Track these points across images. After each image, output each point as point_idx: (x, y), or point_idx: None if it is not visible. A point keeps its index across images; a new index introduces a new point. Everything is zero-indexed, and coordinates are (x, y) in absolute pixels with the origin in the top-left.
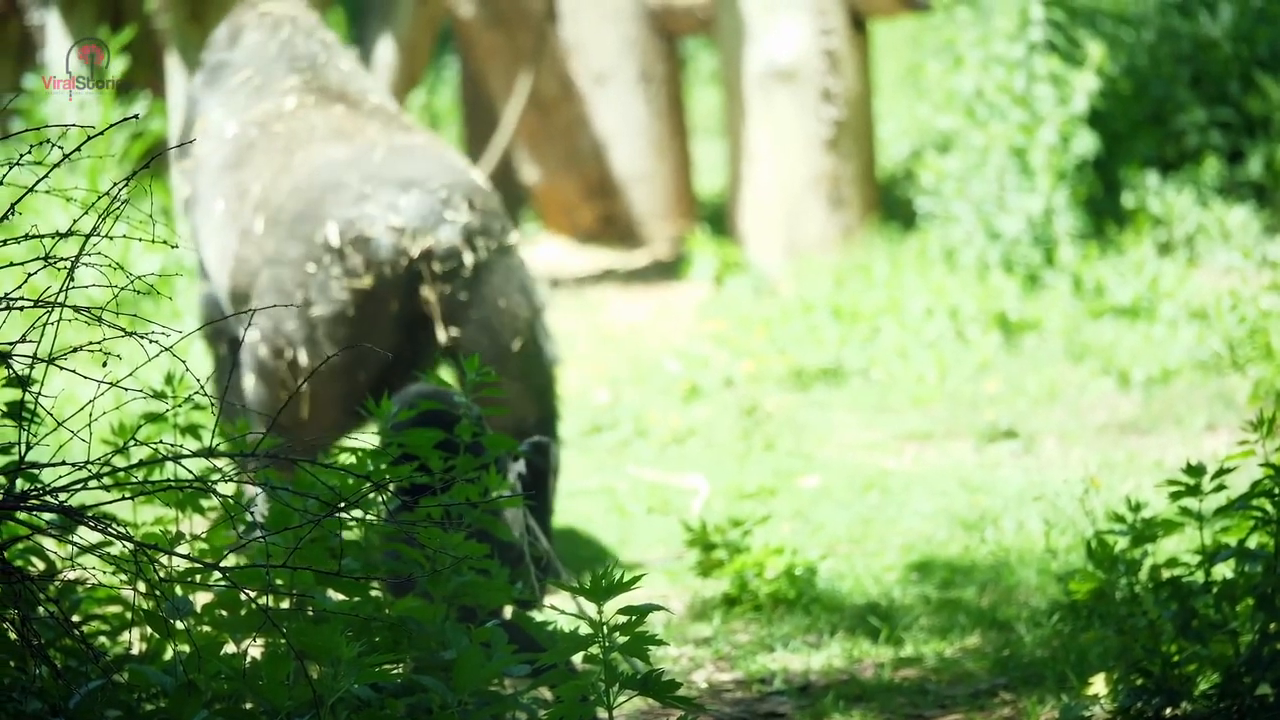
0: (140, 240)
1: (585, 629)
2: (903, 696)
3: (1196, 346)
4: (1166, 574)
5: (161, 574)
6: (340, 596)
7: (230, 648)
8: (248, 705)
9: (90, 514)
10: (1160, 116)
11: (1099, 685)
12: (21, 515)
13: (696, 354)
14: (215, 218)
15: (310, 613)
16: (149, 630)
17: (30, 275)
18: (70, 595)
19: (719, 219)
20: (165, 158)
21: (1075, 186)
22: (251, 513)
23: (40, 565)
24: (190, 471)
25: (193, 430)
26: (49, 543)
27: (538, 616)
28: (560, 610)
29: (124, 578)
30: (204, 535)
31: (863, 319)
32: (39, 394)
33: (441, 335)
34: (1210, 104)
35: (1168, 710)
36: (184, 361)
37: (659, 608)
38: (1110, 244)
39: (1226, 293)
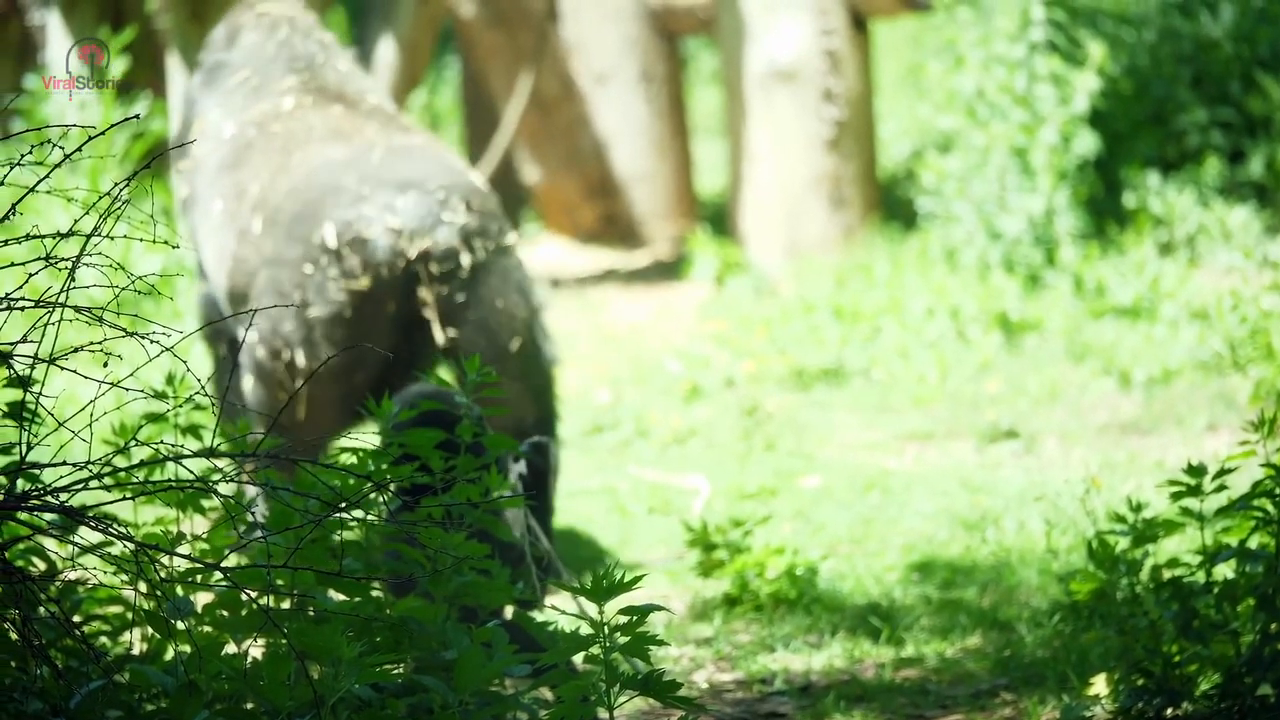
0: (141, 240)
1: (586, 629)
2: (904, 697)
3: (1197, 347)
4: (1168, 574)
5: (162, 574)
6: (341, 597)
7: (231, 648)
8: (249, 705)
9: (91, 514)
10: (1161, 116)
11: (1100, 685)
12: (22, 515)
13: (697, 354)
14: (213, 218)
15: (311, 613)
16: (150, 630)
17: (31, 275)
18: (71, 595)
19: (720, 219)
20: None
21: (1076, 186)
22: (252, 513)
23: (41, 565)
24: (191, 472)
25: (194, 430)
26: (50, 543)
27: (539, 617)
28: (561, 610)
29: (125, 578)
30: (205, 535)
31: (864, 319)
32: (40, 394)
33: (439, 336)
34: (1211, 104)
35: (1169, 710)
36: (185, 362)
37: (660, 608)
38: (1111, 244)
39: (1228, 293)
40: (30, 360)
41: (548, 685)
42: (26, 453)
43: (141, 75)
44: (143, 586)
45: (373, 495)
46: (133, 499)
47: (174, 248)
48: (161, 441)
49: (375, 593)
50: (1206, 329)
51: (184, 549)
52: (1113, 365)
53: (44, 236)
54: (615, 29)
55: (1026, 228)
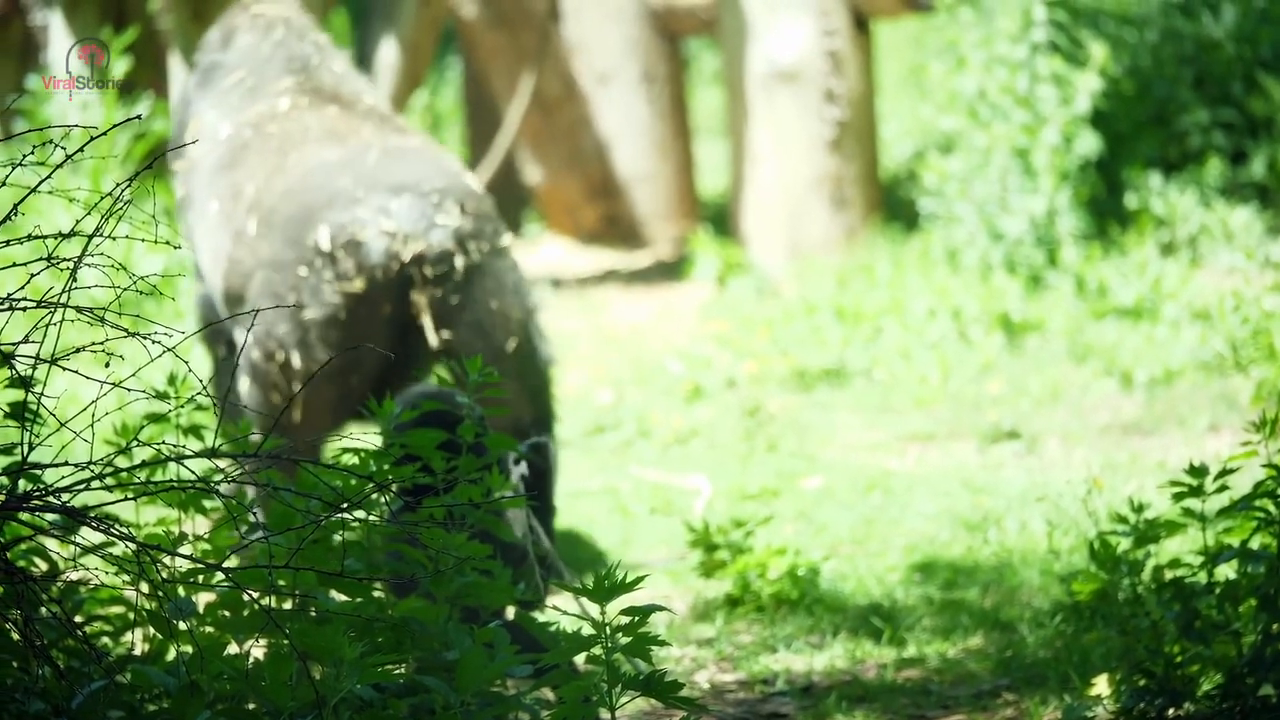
0: (143, 241)
1: (588, 629)
2: (905, 697)
3: (1199, 347)
4: (1169, 575)
5: (164, 574)
6: (343, 597)
7: (233, 648)
8: (250, 706)
9: (93, 514)
10: (1163, 117)
11: (1102, 686)
12: (24, 516)
13: (699, 355)
14: (209, 219)
15: (313, 613)
16: (152, 631)
17: (33, 276)
18: (73, 596)
19: (721, 220)
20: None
21: (1078, 187)
22: (254, 513)
23: (43, 566)
24: (193, 472)
25: (195, 431)
26: (52, 543)
27: (540, 617)
28: (563, 611)
29: (127, 578)
30: (206, 536)
31: (865, 320)
32: (42, 394)
33: (433, 338)
34: (1213, 105)
35: (1170, 711)
36: (186, 362)
37: (661, 608)
38: (1113, 245)
39: (1229, 293)
40: (32, 360)
41: (549, 686)
42: (28, 453)
43: (144, 75)
44: (144, 587)
45: (374, 496)
46: (134, 499)
47: (175, 248)
48: (163, 442)
49: (377, 593)
50: (1208, 330)
51: (186, 549)
52: (1114, 366)
53: (46, 237)
54: (617, 29)
55: (1028, 228)
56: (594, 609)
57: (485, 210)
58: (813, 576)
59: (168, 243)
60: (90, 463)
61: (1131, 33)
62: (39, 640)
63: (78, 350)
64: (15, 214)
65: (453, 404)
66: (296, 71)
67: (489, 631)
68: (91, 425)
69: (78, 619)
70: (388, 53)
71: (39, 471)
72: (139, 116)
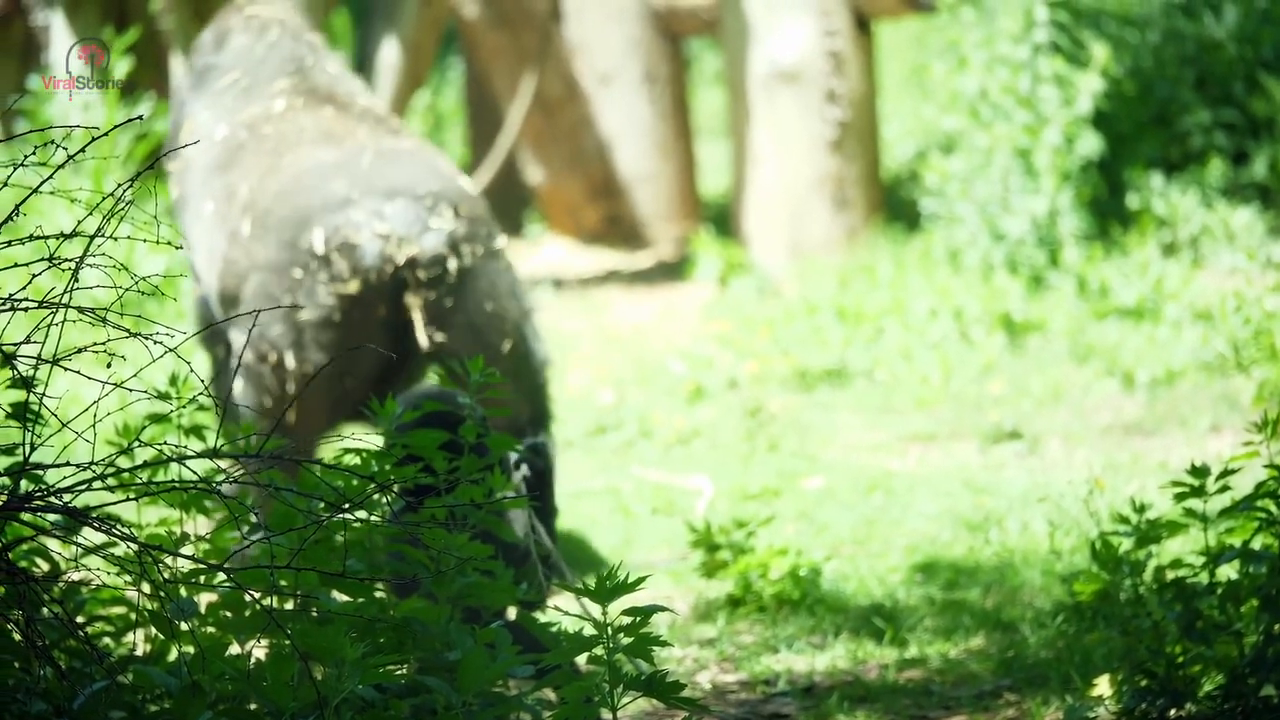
0: (145, 241)
1: (589, 630)
2: (907, 698)
3: (1201, 348)
4: (1171, 575)
5: (166, 575)
6: (345, 597)
7: (235, 649)
8: (252, 706)
9: (94, 515)
10: (1165, 118)
11: (1103, 686)
12: (26, 516)
13: (701, 355)
14: (205, 220)
15: (315, 614)
16: (153, 631)
17: (35, 276)
18: (74, 596)
19: (723, 220)
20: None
21: (1080, 188)
22: (255, 514)
23: (45, 566)
24: (194, 472)
25: (197, 431)
26: (53, 544)
27: (542, 617)
28: (564, 611)
29: (128, 579)
30: (208, 536)
31: (867, 320)
32: (43, 395)
33: (423, 340)
34: (1215, 105)
35: (1172, 711)
36: (188, 362)
37: (663, 609)
38: (1115, 245)
39: (1231, 294)
40: (34, 361)
41: (551, 686)
42: (30, 454)
43: (145, 76)
44: (146, 587)
45: (376, 496)
46: (136, 500)
47: (177, 248)
48: (165, 442)
49: (379, 594)
50: (1210, 330)
51: (187, 550)
52: (1116, 366)
53: (47, 237)
54: (619, 30)
55: (1030, 229)
56: (596, 609)
57: (479, 213)
58: (814, 577)
59: (169, 243)
60: (92, 463)
61: (1133, 33)
62: (40, 641)
63: (79, 351)
64: (17, 214)
65: (454, 405)
66: (291, 73)
67: (491, 632)
68: (93, 426)
69: (79, 619)
70: (389, 53)
71: (41, 472)
72: (140, 117)
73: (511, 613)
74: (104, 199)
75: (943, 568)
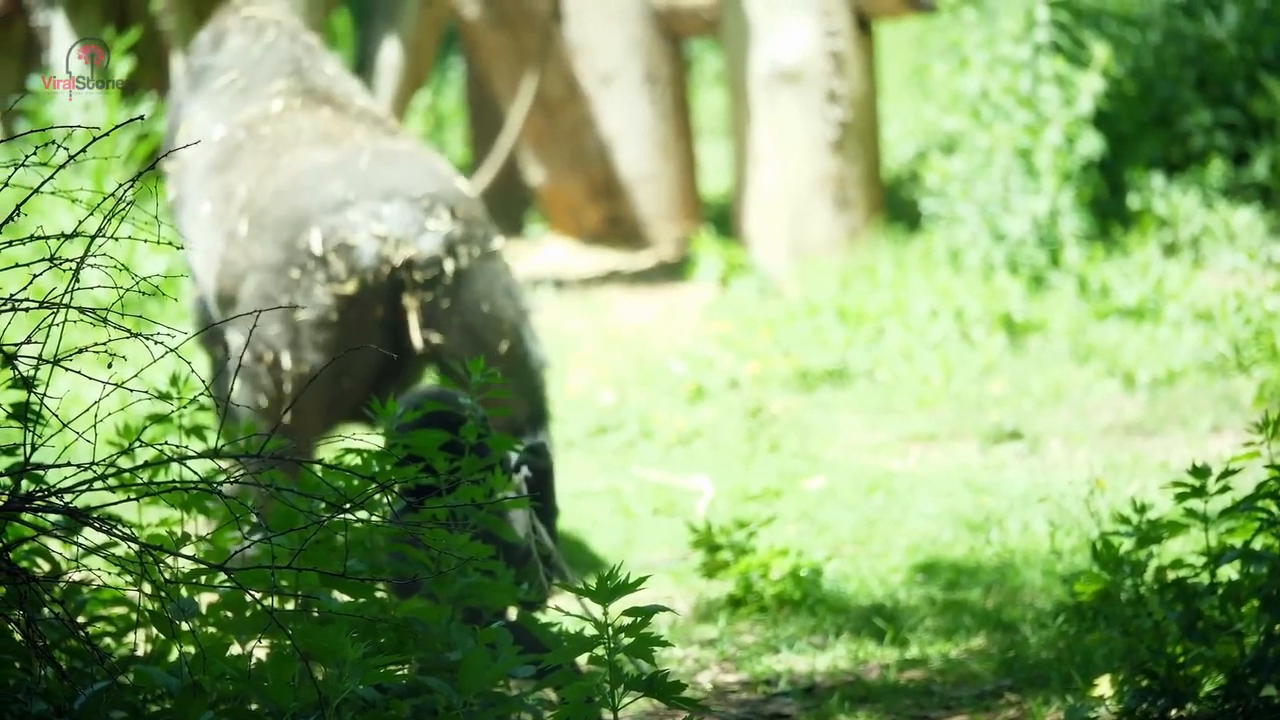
0: (145, 241)
1: (590, 630)
2: (908, 698)
3: (1201, 348)
4: (1172, 575)
5: (167, 575)
6: (345, 598)
7: (235, 649)
8: (253, 706)
9: (95, 515)
10: (1165, 118)
11: (1104, 686)
12: (27, 516)
13: (702, 355)
14: (202, 220)
15: (316, 614)
16: (154, 631)
17: (36, 276)
18: (75, 596)
19: (724, 220)
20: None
21: (1080, 188)
22: (256, 514)
23: (45, 566)
24: (195, 473)
25: (197, 431)
26: (54, 544)
27: (543, 618)
28: (565, 611)
29: (129, 579)
30: (209, 536)
31: (868, 320)
32: (44, 395)
33: (417, 341)
34: (1215, 105)
35: (1173, 712)
36: (189, 363)
37: (664, 609)
38: (1115, 245)
39: (1231, 294)
40: (35, 361)
41: (552, 686)
42: (31, 454)
43: (146, 76)
44: (147, 587)
45: (377, 496)
46: (137, 500)
47: (178, 249)
48: (165, 442)
49: (380, 594)
50: (1211, 330)
51: (188, 550)
52: (1117, 366)
53: (48, 237)
54: (620, 30)
55: (1031, 229)
56: (596, 609)
57: (476, 215)
58: (815, 577)
59: (170, 243)
60: (93, 463)
61: (1134, 33)
62: (41, 641)
63: (80, 351)
64: (18, 214)
65: (455, 405)
66: (288, 73)
67: (492, 632)
68: (94, 426)
69: (80, 619)
70: (390, 53)
71: (41, 472)
72: (141, 117)
73: (512, 613)
74: (105, 199)
75: (944, 568)
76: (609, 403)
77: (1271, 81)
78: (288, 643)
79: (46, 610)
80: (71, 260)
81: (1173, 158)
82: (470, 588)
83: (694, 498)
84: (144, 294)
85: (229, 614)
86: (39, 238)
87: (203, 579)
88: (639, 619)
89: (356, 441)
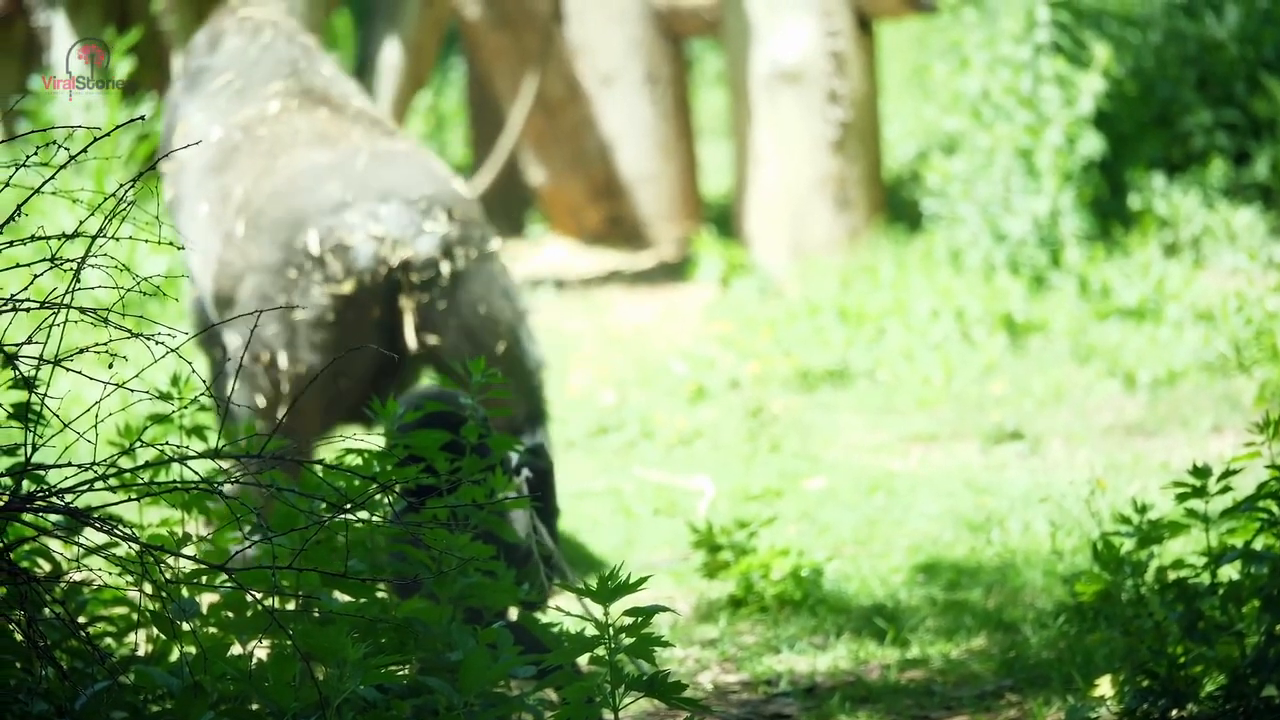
0: (146, 241)
1: (591, 630)
2: (909, 698)
3: (1202, 348)
4: (1172, 575)
5: (168, 575)
6: (346, 598)
7: (236, 649)
8: (254, 706)
9: (96, 515)
10: (1166, 118)
11: (1105, 687)
12: (27, 517)
13: (702, 355)
14: (199, 221)
15: (316, 614)
16: (155, 631)
17: (36, 277)
18: (76, 596)
19: (725, 220)
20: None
21: (1081, 188)
22: (257, 514)
23: (46, 566)
24: (196, 473)
25: (198, 431)
26: (55, 544)
27: (543, 618)
28: (566, 612)
29: (130, 579)
30: (210, 536)
31: (868, 320)
32: (45, 395)
33: (412, 342)
34: (1216, 106)
35: (1174, 712)
36: (190, 363)
37: (665, 609)
38: (1116, 245)
39: (1232, 294)
40: (35, 361)
41: (553, 687)
42: (32, 454)
43: (147, 76)
44: (148, 587)
45: (378, 496)
46: (138, 500)
47: (179, 249)
48: (166, 442)
49: (380, 594)
50: (1211, 330)
51: (189, 550)
52: (1118, 367)
53: (49, 238)
54: (620, 31)
55: (1031, 229)
56: (597, 610)
57: (473, 216)
58: (816, 577)
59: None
60: (93, 463)
61: (1135, 33)
62: (42, 641)
63: (81, 351)
64: (19, 215)
65: (456, 405)
66: (285, 75)
67: (492, 632)
68: (95, 426)
69: (81, 620)
70: (391, 54)
71: (42, 472)
72: (142, 117)
73: (513, 613)
74: (105, 199)
75: (944, 568)
76: (610, 403)
77: (1272, 81)
78: (288, 643)
79: (47, 610)
80: (72, 260)
81: (1173, 158)
82: (471, 588)
83: (695, 498)
84: (145, 294)
85: (230, 614)
86: (40, 238)
87: (204, 579)
88: (640, 619)
89: (357, 442)
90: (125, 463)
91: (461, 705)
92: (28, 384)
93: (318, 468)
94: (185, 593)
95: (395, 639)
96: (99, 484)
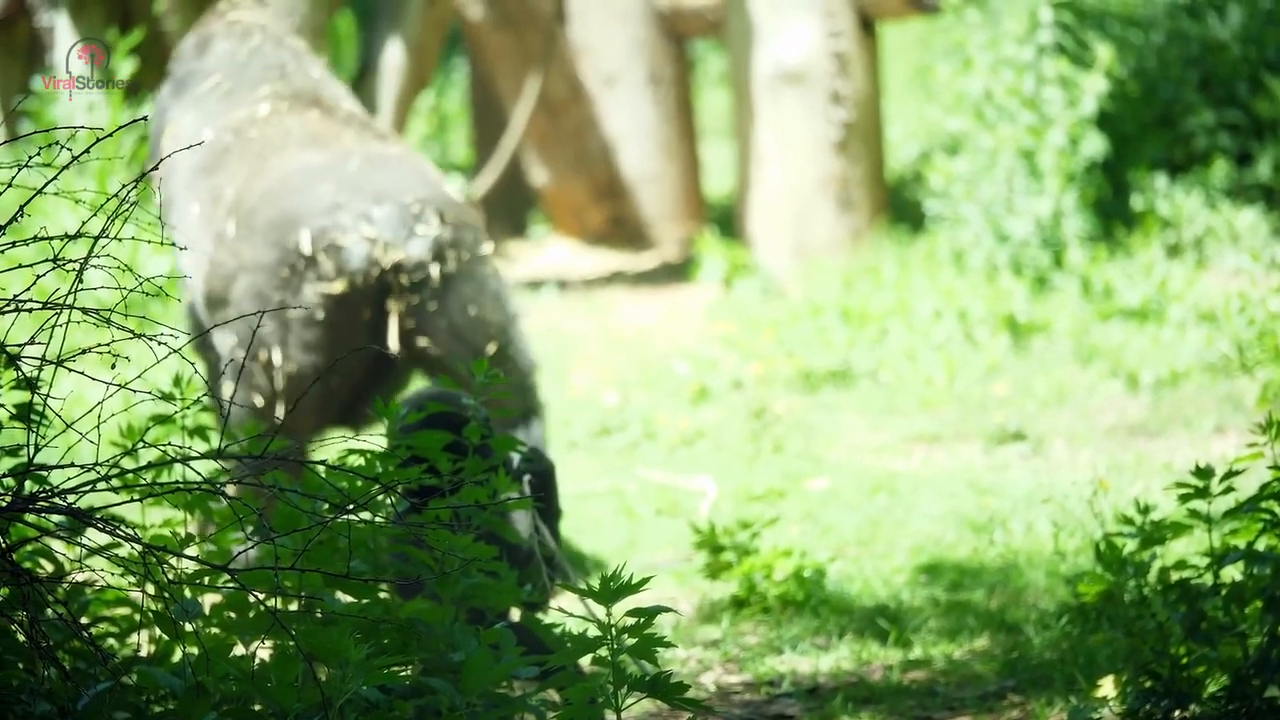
0: (149, 242)
1: (594, 631)
2: (911, 699)
3: (1205, 349)
4: (1175, 576)
5: (170, 576)
6: (349, 598)
7: (239, 649)
8: (256, 707)
9: (99, 516)
10: (1169, 119)
11: (1108, 687)
12: (30, 517)
13: (705, 356)
14: (190, 222)
15: (319, 615)
16: (158, 632)
17: (39, 277)
18: (79, 597)
19: (728, 221)
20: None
21: (1084, 189)
22: (259, 514)
23: (49, 567)
24: (199, 473)
25: (201, 432)
26: (58, 545)
27: (546, 618)
28: (568, 612)
29: (133, 579)
30: (211, 536)
31: (871, 321)
32: (48, 396)
33: (394, 345)
34: (1219, 106)
35: (1176, 713)
36: (192, 364)
37: (667, 610)
38: (1119, 246)
39: (1235, 295)
40: (38, 362)
41: (555, 687)
42: (34, 454)
43: (149, 77)
44: (150, 588)
45: (380, 497)
46: (140, 501)
47: (182, 249)
48: (169, 443)
49: (383, 595)
50: (1214, 331)
51: (192, 550)
52: (1120, 367)
53: (52, 238)
54: (623, 31)
55: (1034, 230)
56: (600, 610)
57: (465, 219)
58: (819, 578)
59: (173, 244)
60: (96, 464)
61: (1137, 34)
62: (45, 641)
63: (84, 352)
64: (21, 215)
65: (458, 406)
66: (274, 78)
67: (495, 633)
68: (97, 426)
69: (83, 620)
70: (393, 54)
71: (45, 473)
72: (145, 118)
73: (515, 614)
74: (108, 200)
75: (947, 569)
76: (612, 403)
77: (1275, 82)
78: (291, 643)
79: (50, 611)
80: (75, 261)
81: (1176, 158)
82: (473, 588)
83: (697, 498)
84: (147, 295)
85: (232, 615)
86: (42, 238)
87: (206, 580)
88: (642, 620)
89: (359, 442)
90: (128, 463)
91: (464, 706)
92: (30, 384)
93: (320, 468)
94: (188, 593)
95: (398, 640)
96: (101, 485)
